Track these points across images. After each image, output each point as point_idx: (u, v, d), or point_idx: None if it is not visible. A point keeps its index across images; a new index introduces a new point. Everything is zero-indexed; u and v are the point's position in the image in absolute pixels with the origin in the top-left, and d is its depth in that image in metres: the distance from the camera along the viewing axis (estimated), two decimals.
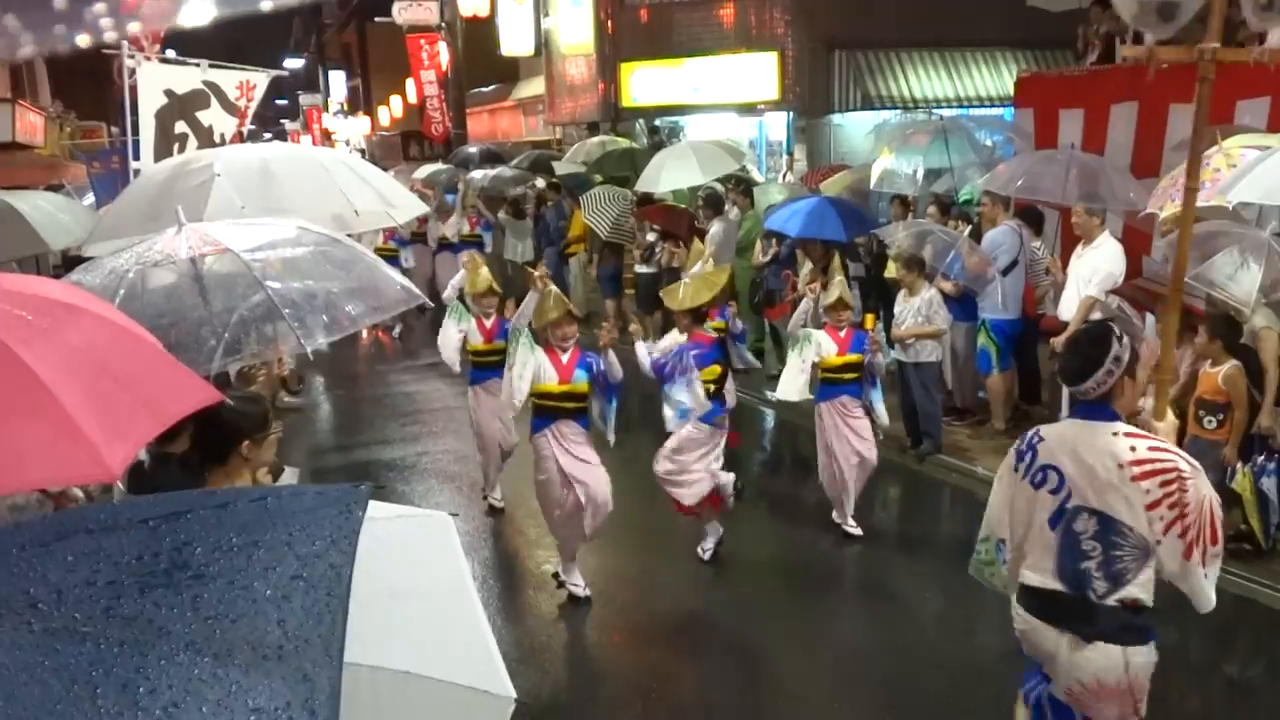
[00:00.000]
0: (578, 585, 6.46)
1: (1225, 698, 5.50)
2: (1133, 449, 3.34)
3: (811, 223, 9.41)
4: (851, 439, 7.10)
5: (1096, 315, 7.73)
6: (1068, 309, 7.89)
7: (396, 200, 6.12)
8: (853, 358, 7.09)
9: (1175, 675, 5.73)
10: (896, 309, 8.46)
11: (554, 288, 6.38)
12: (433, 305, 6.96)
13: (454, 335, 7.83)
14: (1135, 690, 3.46)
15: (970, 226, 9.50)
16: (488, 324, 7.77)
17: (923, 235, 8.60)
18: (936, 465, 8.64)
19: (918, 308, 8.19)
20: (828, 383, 7.19)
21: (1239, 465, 6.24)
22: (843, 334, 7.11)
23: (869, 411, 7.16)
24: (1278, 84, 8.76)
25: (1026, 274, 8.85)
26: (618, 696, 5.54)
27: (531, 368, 6.14)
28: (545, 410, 6.34)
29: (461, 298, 8.06)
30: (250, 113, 6.78)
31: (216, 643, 1.46)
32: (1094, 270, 7.70)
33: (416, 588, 2.12)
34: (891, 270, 9.37)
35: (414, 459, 9.53)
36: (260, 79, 6.86)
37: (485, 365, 7.77)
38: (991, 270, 8.50)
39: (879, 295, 10.05)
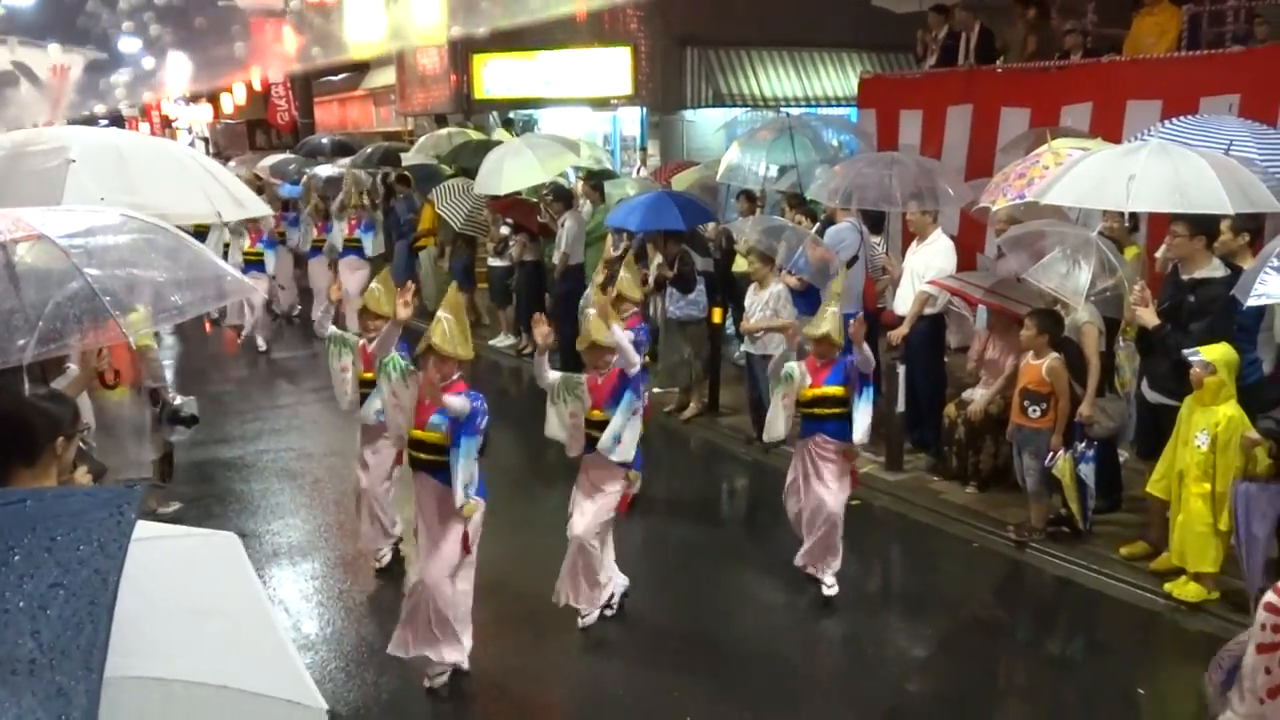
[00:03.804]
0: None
1: (1048, 673, 5.75)
2: None
3: (651, 216, 9.60)
4: (815, 482, 6.24)
5: (929, 309, 8.02)
6: (903, 303, 8.15)
7: (246, 201, 5.80)
8: (830, 390, 6.12)
9: (1001, 653, 6.00)
10: (746, 302, 8.57)
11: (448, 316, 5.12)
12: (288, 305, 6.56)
13: (339, 374, 6.66)
14: None
15: (817, 224, 9.70)
16: (370, 348, 6.30)
17: (770, 230, 8.74)
18: (781, 455, 8.78)
19: (766, 301, 8.32)
20: (804, 419, 6.30)
21: (1061, 452, 6.53)
22: (819, 364, 6.22)
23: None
24: (1098, 91, 9.25)
25: (866, 269, 9.10)
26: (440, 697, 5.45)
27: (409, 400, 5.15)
28: (412, 463, 5.33)
29: (338, 320, 6.94)
30: (65, 97, 6.37)
31: None
32: (927, 266, 7.97)
33: (214, 604, 2.03)
34: (741, 264, 9.50)
35: (253, 458, 9.19)
36: (76, 60, 6.48)
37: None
38: (835, 263, 8.69)
39: (727, 290, 10.19)
